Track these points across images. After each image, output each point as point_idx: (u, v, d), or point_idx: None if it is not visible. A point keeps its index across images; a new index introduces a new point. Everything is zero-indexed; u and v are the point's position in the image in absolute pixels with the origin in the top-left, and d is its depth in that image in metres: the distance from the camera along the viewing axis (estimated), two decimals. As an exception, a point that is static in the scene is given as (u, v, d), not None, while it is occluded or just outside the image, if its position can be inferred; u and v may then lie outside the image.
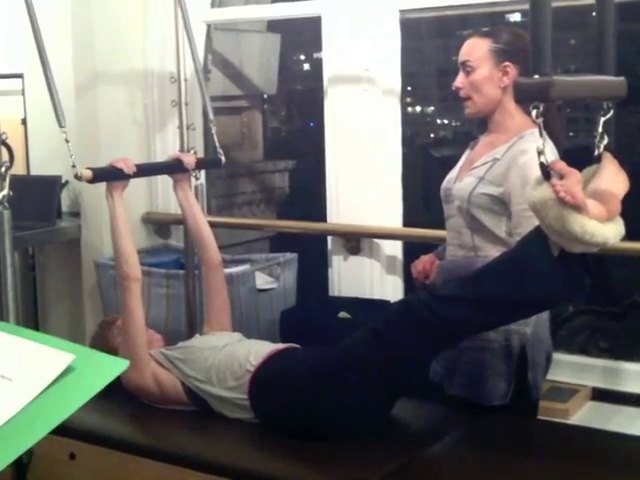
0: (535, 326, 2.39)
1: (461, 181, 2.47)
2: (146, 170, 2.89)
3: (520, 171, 2.31)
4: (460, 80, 2.46)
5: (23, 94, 3.68)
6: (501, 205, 2.37)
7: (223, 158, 2.99)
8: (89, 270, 3.49)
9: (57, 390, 1.21)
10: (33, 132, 3.71)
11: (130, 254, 2.61)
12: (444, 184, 2.56)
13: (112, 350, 2.57)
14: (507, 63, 2.40)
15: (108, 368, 1.27)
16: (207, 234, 2.85)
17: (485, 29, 2.51)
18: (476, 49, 2.43)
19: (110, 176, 2.63)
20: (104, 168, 2.66)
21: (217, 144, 3.00)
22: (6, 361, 1.29)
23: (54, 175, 3.51)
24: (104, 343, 2.68)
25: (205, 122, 3.58)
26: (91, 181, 2.59)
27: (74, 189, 3.64)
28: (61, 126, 2.53)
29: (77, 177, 2.55)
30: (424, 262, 2.58)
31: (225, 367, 2.45)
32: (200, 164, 2.94)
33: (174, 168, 2.87)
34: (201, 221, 2.86)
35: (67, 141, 2.52)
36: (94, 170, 2.58)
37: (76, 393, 1.21)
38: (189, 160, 2.84)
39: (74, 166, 2.52)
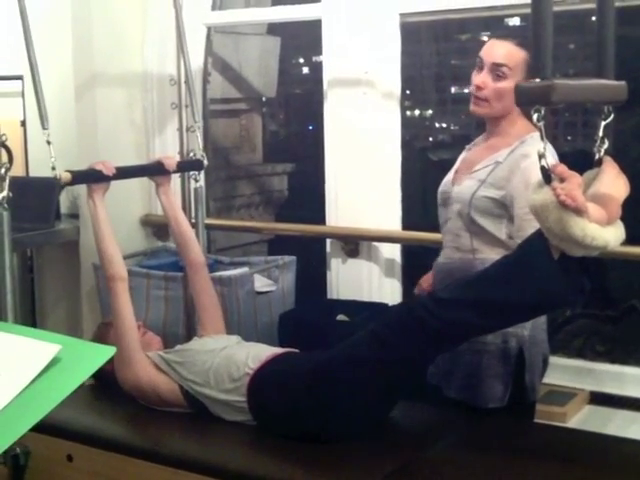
0: (532, 328, 2.40)
1: (460, 184, 2.47)
2: (126, 172, 2.85)
3: (523, 175, 2.30)
4: (483, 80, 2.39)
5: (22, 96, 3.67)
6: (502, 208, 2.36)
7: (205, 161, 2.99)
8: (87, 272, 3.48)
9: (46, 380, 1.23)
10: (32, 134, 3.70)
11: (113, 255, 2.61)
12: (441, 187, 2.55)
13: (111, 352, 2.57)
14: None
15: (95, 356, 1.30)
16: (189, 235, 2.85)
17: (523, 38, 2.39)
18: (514, 57, 2.36)
19: (89, 178, 2.62)
20: (83, 171, 2.65)
21: (200, 146, 3.02)
22: None
23: (53, 177, 3.50)
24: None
25: (205, 124, 3.59)
26: (70, 183, 2.59)
27: (73, 191, 3.63)
28: (44, 128, 2.55)
29: (56, 179, 2.54)
30: (429, 279, 2.60)
31: (223, 369, 2.44)
32: (181, 166, 2.93)
33: (155, 170, 2.86)
34: (183, 222, 2.86)
35: (49, 143, 2.53)
36: (73, 173, 2.58)
37: (65, 382, 1.23)
38: (170, 162, 2.85)
39: (54, 168, 2.51)
